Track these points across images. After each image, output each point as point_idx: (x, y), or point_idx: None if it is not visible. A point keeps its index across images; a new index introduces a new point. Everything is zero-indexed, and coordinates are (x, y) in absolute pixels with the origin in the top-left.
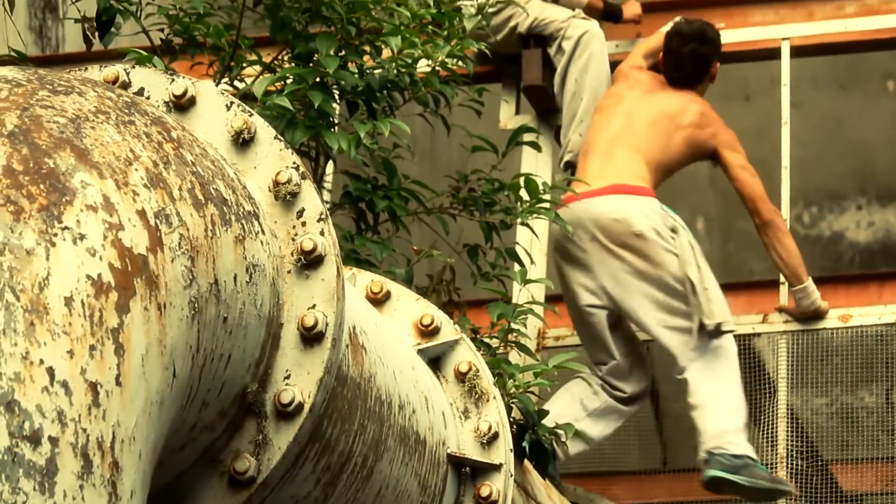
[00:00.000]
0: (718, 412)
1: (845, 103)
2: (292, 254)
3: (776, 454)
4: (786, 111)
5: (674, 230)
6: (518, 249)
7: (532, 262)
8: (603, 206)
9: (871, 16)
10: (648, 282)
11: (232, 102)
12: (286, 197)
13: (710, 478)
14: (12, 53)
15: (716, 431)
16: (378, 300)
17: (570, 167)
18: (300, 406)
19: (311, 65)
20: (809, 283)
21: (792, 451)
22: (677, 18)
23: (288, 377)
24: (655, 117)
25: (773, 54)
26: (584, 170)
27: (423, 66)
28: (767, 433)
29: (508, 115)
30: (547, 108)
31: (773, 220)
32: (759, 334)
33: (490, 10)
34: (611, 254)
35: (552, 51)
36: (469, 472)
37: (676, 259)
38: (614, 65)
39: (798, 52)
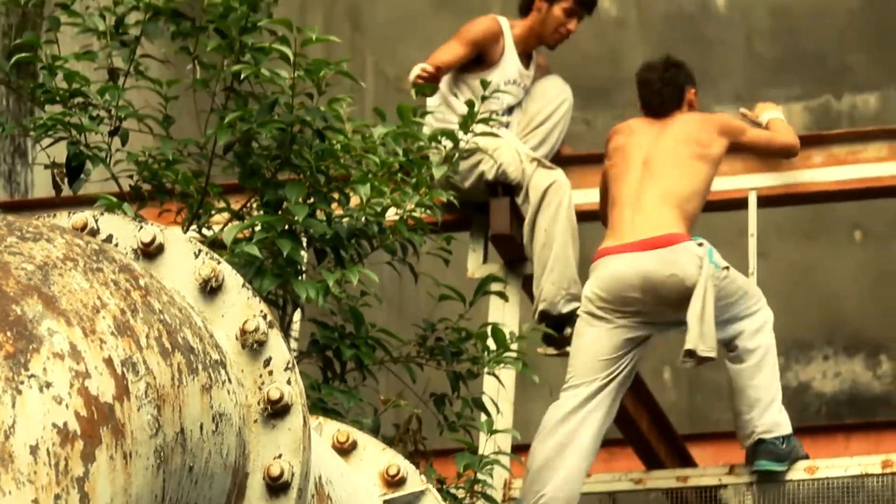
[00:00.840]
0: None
1: (812, 253)
2: (259, 403)
3: None
4: (753, 261)
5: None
6: (485, 399)
7: (499, 411)
8: (652, 261)
9: (837, 166)
10: None
11: (200, 250)
12: (253, 346)
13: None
14: None
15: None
16: (344, 450)
17: (545, 317)
18: None
19: (279, 213)
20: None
21: None
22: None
23: None
24: (669, 151)
25: (740, 204)
26: (619, 223)
27: (391, 214)
28: None
29: (476, 264)
30: (515, 258)
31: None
32: (725, 486)
33: (457, 157)
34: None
35: (519, 199)
36: None
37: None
38: (582, 214)
39: (765, 202)
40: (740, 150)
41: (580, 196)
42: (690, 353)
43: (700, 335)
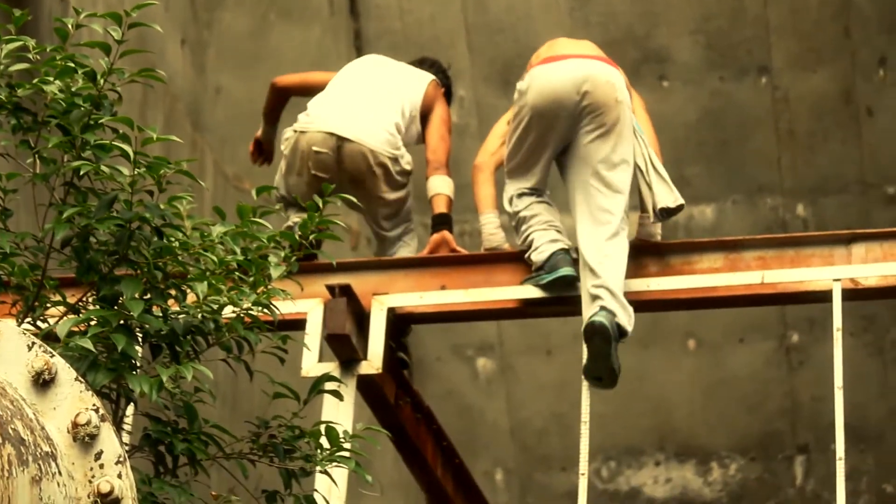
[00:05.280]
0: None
1: (646, 360)
2: (89, 496)
3: None
4: None
5: None
6: (317, 497)
7: None
8: (595, 67)
9: (673, 275)
10: None
11: (34, 343)
12: (85, 438)
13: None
14: None
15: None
16: None
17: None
18: None
19: (115, 307)
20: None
21: None
22: None
23: None
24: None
25: (576, 311)
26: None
27: (228, 312)
28: None
29: (311, 363)
30: (350, 357)
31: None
32: None
33: (294, 258)
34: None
35: None
36: None
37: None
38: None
39: None
40: None
41: (416, 299)
42: (666, 211)
43: (669, 190)
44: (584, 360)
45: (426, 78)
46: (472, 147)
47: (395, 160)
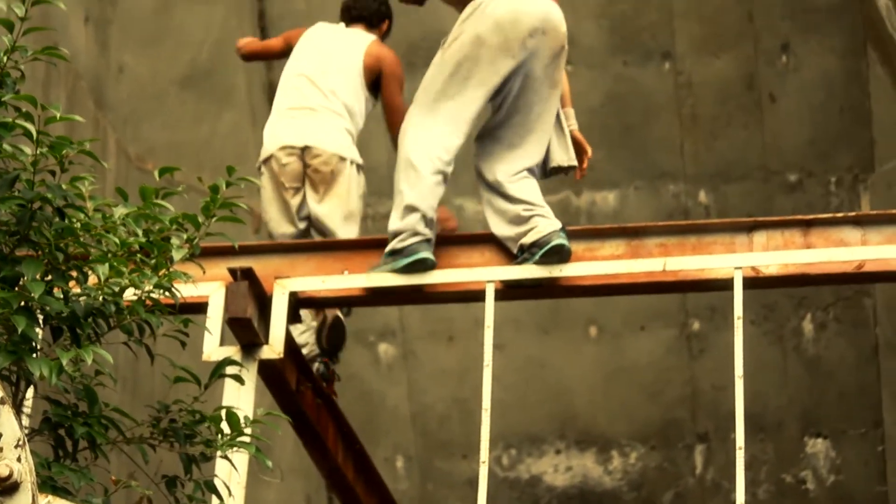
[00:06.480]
0: None
1: (548, 348)
2: None
3: None
4: (488, 353)
5: None
6: (217, 482)
7: (231, 494)
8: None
9: (575, 262)
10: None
11: None
12: None
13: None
14: None
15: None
16: None
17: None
18: None
19: (16, 289)
20: None
21: None
22: None
23: None
24: None
25: (478, 296)
26: None
27: (129, 294)
28: None
29: (212, 347)
30: (251, 341)
31: None
32: None
33: (198, 241)
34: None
35: None
36: None
37: None
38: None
39: (503, 294)
40: None
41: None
42: (558, 169)
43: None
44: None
45: (361, 47)
46: (375, 129)
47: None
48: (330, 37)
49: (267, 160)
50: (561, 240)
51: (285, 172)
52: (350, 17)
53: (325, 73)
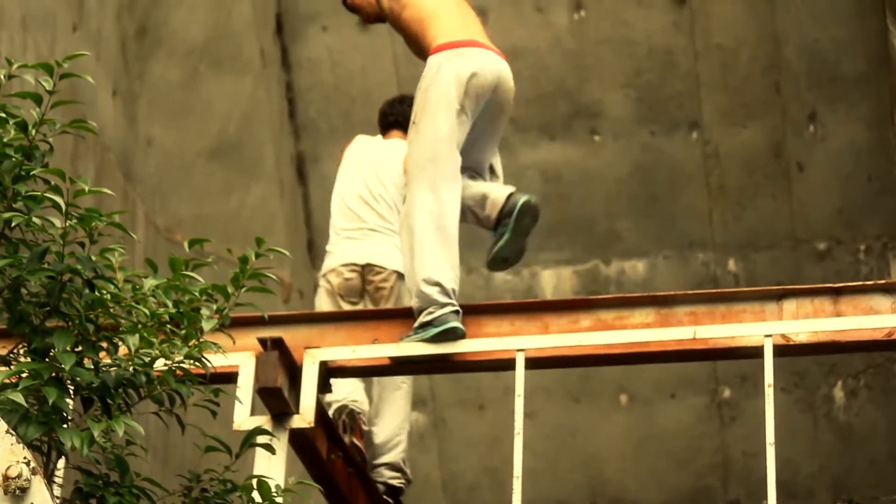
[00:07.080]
0: None
1: (578, 415)
2: None
3: None
4: (519, 421)
5: None
6: None
7: None
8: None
9: (604, 330)
10: None
11: None
12: (16, 492)
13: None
14: None
15: None
16: None
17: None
18: None
19: (47, 360)
20: None
21: None
22: None
23: None
24: None
25: (507, 365)
26: (461, 23)
27: (159, 364)
28: None
29: (243, 417)
30: (282, 411)
31: None
32: None
33: (228, 311)
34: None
35: None
36: None
37: None
38: None
39: (533, 363)
40: None
41: None
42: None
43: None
44: (500, 241)
45: (401, 156)
46: None
47: None
48: (372, 154)
49: (327, 274)
50: (528, 196)
51: (346, 286)
52: (387, 122)
53: (375, 193)
